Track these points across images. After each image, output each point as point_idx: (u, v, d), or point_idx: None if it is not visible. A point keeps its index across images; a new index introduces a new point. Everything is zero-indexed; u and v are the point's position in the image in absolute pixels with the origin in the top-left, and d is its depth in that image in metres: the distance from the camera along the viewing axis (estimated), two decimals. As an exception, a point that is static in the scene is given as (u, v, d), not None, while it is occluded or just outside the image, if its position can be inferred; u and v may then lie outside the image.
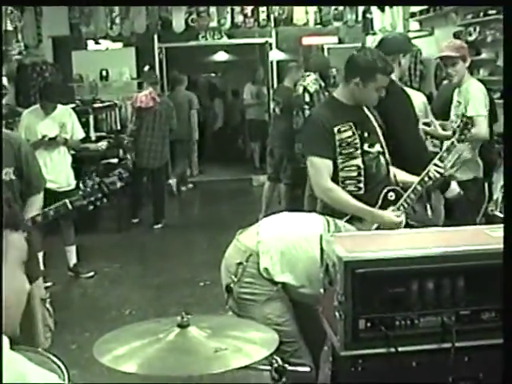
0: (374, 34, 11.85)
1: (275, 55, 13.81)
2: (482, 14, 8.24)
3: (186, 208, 12.08)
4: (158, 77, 11.47)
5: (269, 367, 2.79)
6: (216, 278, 3.91)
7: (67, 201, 3.81)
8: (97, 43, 13.14)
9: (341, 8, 12.27)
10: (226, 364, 2.48)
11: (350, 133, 4.03)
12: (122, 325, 2.97)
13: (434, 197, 6.52)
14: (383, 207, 4.06)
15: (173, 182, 12.21)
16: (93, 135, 10.78)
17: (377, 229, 3.95)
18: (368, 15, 12.12)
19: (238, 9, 12.32)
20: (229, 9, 12.28)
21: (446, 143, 4.61)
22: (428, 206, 6.12)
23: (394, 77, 4.75)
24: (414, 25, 11.15)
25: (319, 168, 4.01)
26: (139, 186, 9.98)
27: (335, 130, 4.01)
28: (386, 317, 2.74)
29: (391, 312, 2.74)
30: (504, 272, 2.35)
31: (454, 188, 5.16)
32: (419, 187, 4.16)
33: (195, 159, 13.92)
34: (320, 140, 4.03)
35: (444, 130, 5.76)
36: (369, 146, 4.09)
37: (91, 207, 3.85)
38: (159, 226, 9.79)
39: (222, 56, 17.91)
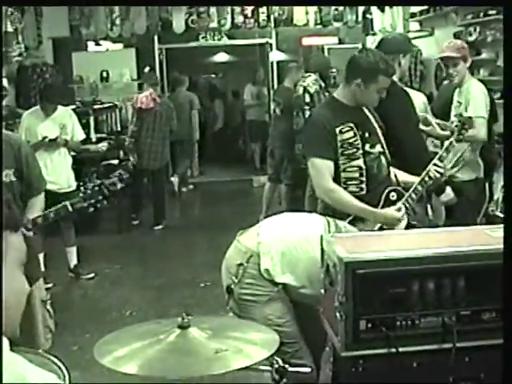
0: (374, 34, 11.85)
1: (275, 56, 13.81)
2: (482, 14, 8.24)
3: (186, 209, 12.09)
4: (158, 78, 11.49)
5: (269, 368, 2.79)
6: (216, 279, 3.90)
7: (68, 203, 3.81)
8: (97, 44, 13.14)
9: (341, 8, 12.28)
10: (226, 365, 2.48)
11: (351, 133, 4.03)
12: (123, 326, 2.97)
13: (434, 197, 6.51)
14: (385, 207, 4.06)
15: (175, 180, 12.26)
16: (93, 136, 10.78)
17: (379, 229, 3.95)
18: (368, 16, 12.13)
19: (238, 9, 12.33)
20: (229, 9, 12.29)
21: (446, 143, 4.62)
22: (429, 207, 6.12)
23: (394, 77, 4.75)
24: (414, 25, 11.15)
25: (321, 169, 4.01)
26: (140, 187, 9.98)
27: (337, 130, 4.00)
28: (387, 317, 2.74)
29: (392, 312, 2.74)
30: (504, 272, 2.35)
31: (449, 193, 5.20)
32: (420, 187, 4.17)
33: (196, 160, 13.93)
34: (321, 141, 4.03)
35: (443, 129, 5.76)
36: (370, 147, 4.09)
37: (91, 209, 3.85)
38: (160, 227, 9.79)
39: (222, 57, 17.91)
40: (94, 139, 10.65)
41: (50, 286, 6.32)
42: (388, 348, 2.74)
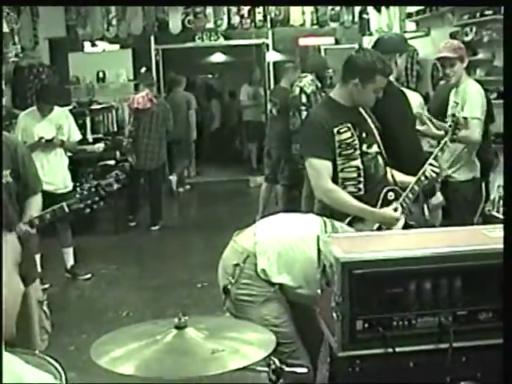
0: (371, 34, 11.86)
1: (272, 56, 13.82)
2: (478, 14, 8.23)
3: (183, 209, 12.09)
4: (154, 78, 11.50)
5: (266, 368, 2.79)
6: (213, 280, 3.90)
7: (64, 204, 3.81)
8: (93, 45, 13.13)
9: (337, 9, 12.30)
10: (223, 365, 2.47)
11: (349, 134, 4.03)
12: (120, 326, 2.97)
13: (442, 197, 6.51)
14: (383, 207, 4.06)
15: (173, 178, 12.31)
16: (90, 137, 10.78)
17: (378, 229, 3.95)
18: (364, 16, 12.14)
19: (234, 10, 12.34)
20: (225, 10, 12.30)
21: (441, 143, 4.63)
22: (425, 207, 6.12)
23: (391, 77, 4.75)
24: (410, 25, 11.15)
25: (319, 169, 4.00)
26: (136, 187, 9.98)
27: (335, 130, 4.00)
28: (384, 317, 2.74)
29: (389, 312, 2.74)
30: (504, 272, 2.35)
31: (438, 196, 5.22)
32: (416, 187, 4.18)
33: (193, 160, 13.94)
34: (319, 141, 4.03)
35: (438, 129, 5.76)
36: (367, 147, 4.09)
37: (88, 210, 3.85)
38: (156, 227, 9.79)
39: (218, 57, 17.91)
40: (90, 140, 10.65)
41: (46, 286, 6.32)
42: (385, 348, 2.74)
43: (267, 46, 13.72)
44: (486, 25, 8.10)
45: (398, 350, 2.73)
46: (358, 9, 12.24)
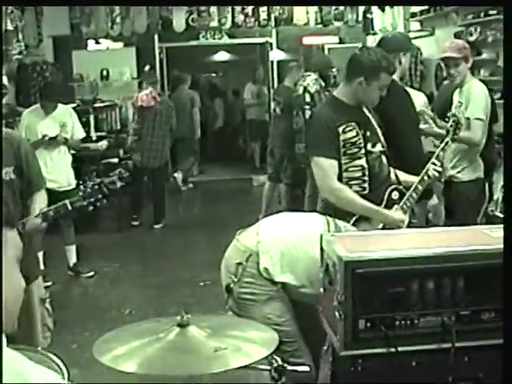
0: (375, 33, 11.85)
1: (276, 55, 13.82)
2: (482, 14, 8.24)
3: (186, 208, 12.09)
4: (157, 76, 11.51)
5: (268, 367, 2.79)
6: (216, 278, 3.90)
7: (67, 201, 3.81)
8: (97, 43, 13.14)
9: (341, 8, 12.29)
10: (225, 363, 2.48)
11: (354, 133, 4.02)
12: (122, 324, 2.97)
13: (437, 199, 6.52)
14: (388, 206, 4.07)
15: (178, 176, 12.37)
16: (93, 135, 10.79)
17: (382, 228, 3.95)
18: (368, 15, 12.13)
19: (238, 8, 12.34)
20: (229, 8, 12.29)
21: (442, 142, 4.65)
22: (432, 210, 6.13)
23: (395, 76, 4.75)
24: (414, 25, 11.15)
25: (325, 169, 3.99)
26: (139, 185, 9.98)
27: (340, 130, 3.99)
28: (386, 317, 2.74)
29: (391, 312, 2.74)
30: (504, 272, 2.35)
31: (434, 198, 5.24)
32: (420, 186, 4.19)
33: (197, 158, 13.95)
34: (325, 140, 4.01)
35: (440, 128, 5.76)
36: (372, 146, 4.09)
37: (91, 208, 3.84)
38: (159, 225, 9.79)
39: (222, 56, 17.91)
40: (93, 137, 10.66)
41: (49, 284, 6.33)
42: (387, 347, 2.74)
43: (271, 44, 13.71)
44: (490, 25, 8.10)
45: (400, 349, 2.73)
46: (362, 8, 12.23)
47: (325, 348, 3.41)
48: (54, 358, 2.62)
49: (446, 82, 7.53)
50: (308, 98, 7.95)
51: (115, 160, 10.25)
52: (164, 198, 10.11)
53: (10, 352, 1.37)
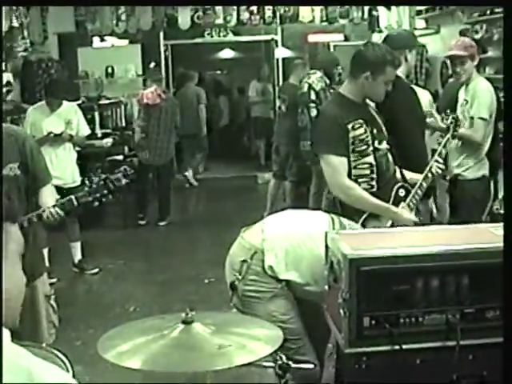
0: (380, 31, 11.83)
1: (281, 52, 13.81)
2: (488, 12, 8.22)
3: (190, 205, 12.10)
4: (162, 74, 11.52)
5: (273, 364, 2.79)
6: (220, 276, 3.90)
7: (73, 197, 3.80)
8: (102, 40, 13.13)
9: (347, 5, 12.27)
10: (230, 361, 2.48)
11: (362, 130, 4.01)
12: (126, 321, 2.98)
13: (439, 195, 6.52)
14: (395, 204, 4.06)
15: (189, 174, 12.43)
16: (98, 132, 10.80)
17: (391, 226, 3.95)
18: (374, 13, 12.11)
19: (243, 6, 12.32)
20: (235, 6, 12.28)
21: (443, 140, 4.70)
22: (433, 205, 6.13)
23: (400, 74, 4.75)
24: (420, 23, 11.11)
25: (335, 166, 3.97)
26: (145, 183, 9.98)
27: (349, 127, 3.98)
28: (391, 314, 2.74)
29: (396, 309, 2.74)
30: (504, 270, 2.35)
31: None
32: (424, 183, 4.19)
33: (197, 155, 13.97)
34: (334, 137, 3.99)
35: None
36: (379, 143, 4.08)
37: (96, 203, 3.84)
38: (164, 222, 9.79)
39: (227, 53, 17.90)
40: (99, 135, 10.67)
41: (54, 280, 6.34)
42: (391, 345, 2.74)
43: (276, 42, 13.71)
44: (495, 22, 8.09)
45: (404, 347, 2.73)
46: (367, 6, 12.21)
47: (329, 345, 3.42)
48: (59, 355, 2.62)
49: (451, 80, 7.51)
50: (313, 96, 7.94)
51: (120, 157, 10.26)
52: (169, 195, 10.11)
53: (15, 347, 1.37)
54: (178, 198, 11.30)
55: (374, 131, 4.07)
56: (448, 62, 6.38)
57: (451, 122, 4.78)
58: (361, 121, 4.02)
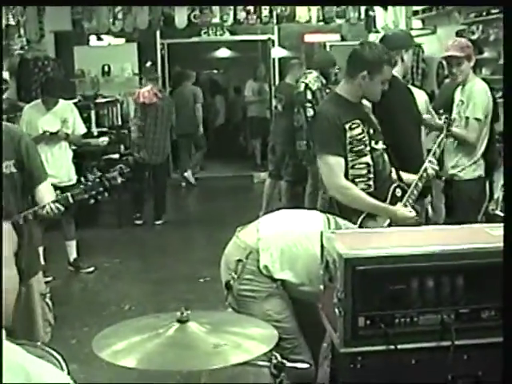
0: (377, 31, 11.84)
1: (277, 52, 13.81)
2: (484, 13, 8.23)
3: (186, 204, 12.10)
4: (157, 73, 11.52)
5: (268, 363, 2.79)
6: (216, 275, 3.90)
7: (68, 194, 3.80)
8: (99, 39, 13.13)
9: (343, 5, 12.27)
10: (225, 360, 2.48)
11: (359, 130, 4.01)
12: (122, 320, 2.97)
13: (435, 196, 6.53)
14: (392, 203, 4.07)
15: (188, 174, 12.48)
16: (94, 130, 10.77)
17: (389, 226, 3.95)
18: (371, 13, 12.12)
19: (240, 5, 12.33)
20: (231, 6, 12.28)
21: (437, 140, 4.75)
22: (429, 205, 6.14)
23: (397, 74, 4.76)
24: (416, 23, 11.13)
25: (332, 166, 3.97)
26: (140, 182, 9.97)
27: (346, 127, 3.97)
28: (386, 314, 2.74)
29: (391, 309, 2.74)
30: (504, 270, 2.35)
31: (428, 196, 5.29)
32: (420, 183, 4.20)
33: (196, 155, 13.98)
34: (332, 137, 3.99)
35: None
36: (375, 143, 4.09)
37: (92, 201, 3.84)
38: (160, 221, 9.79)
39: (224, 52, 17.89)
40: (95, 133, 10.64)
41: (49, 279, 6.33)
42: (387, 345, 2.74)
43: (273, 41, 13.70)
44: (492, 23, 8.10)
45: (399, 347, 2.73)
46: (364, 6, 12.21)
47: (324, 345, 3.42)
48: (54, 353, 2.62)
49: (447, 81, 7.52)
50: (309, 96, 7.94)
51: (116, 156, 10.25)
52: (165, 193, 10.12)
53: (10, 345, 1.38)
54: (173, 197, 11.31)
55: (371, 131, 4.07)
56: (444, 62, 6.39)
57: (445, 122, 4.82)
58: (358, 121, 4.02)
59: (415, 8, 10.84)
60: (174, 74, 13.48)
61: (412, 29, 10.75)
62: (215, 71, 19.28)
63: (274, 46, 13.73)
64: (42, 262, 5.55)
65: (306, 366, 3.15)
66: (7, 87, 9.70)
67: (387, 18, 11.70)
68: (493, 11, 8.01)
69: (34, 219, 3.75)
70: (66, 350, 2.74)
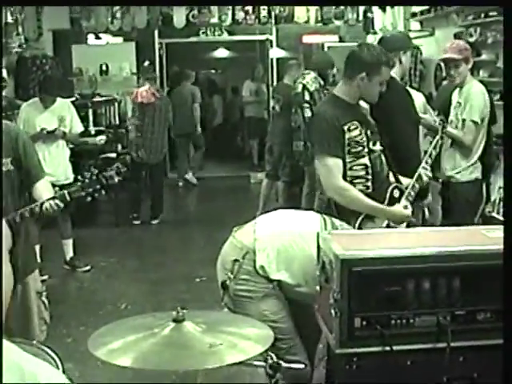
0: (375, 33, 11.84)
1: (275, 53, 13.81)
2: (482, 15, 8.23)
3: (183, 204, 12.10)
4: (155, 72, 11.54)
5: (263, 363, 2.79)
6: (212, 275, 3.90)
7: (65, 191, 3.80)
8: (97, 37, 13.13)
9: (342, 7, 12.28)
10: (220, 359, 2.48)
11: (358, 131, 4.01)
12: (118, 319, 2.97)
13: (431, 198, 6.52)
14: (390, 205, 4.07)
15: (189, 175, 12.55)
16: (92, 129, 10.77)
17: (387, 227, 3.96)
18: (369, 14, 12.12)
19: (238, 5, 12.34)
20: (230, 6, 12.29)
21: (433, 141, 4.78)
22: (426, 207, 6.14)
23: (395, 75, 4.76)
24: (414, 25, 11.13)
25: (331, 167, 3.96)
26: (138, 181, 9.97)
27: (345, 128, 3.97)
28: (382, 315, 2.74)
29: (387, 310, 2.74)
30: (504, 273, 2.35)
31: (429, 197, 5.29)
32: (417, 184, 4.21)
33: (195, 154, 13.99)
34: (330, 139, 3.99)
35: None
36: (373, 144, 4.09)
37: (89, 198, 3.83)
38: (157, 221, 9.79)
39: (222, 52, 17.89)
40: (92, 132, 10.64)
41: (45, 278, 6.31)
42: (382, 346, 2.74)
43: (271, 42, 13.70)
44: (490, 26, 8.10)
45: (395, 348, 2.73)
46: (362, 7, 12.22)
47: (320, 346, 3.42)
48: (49, 352, 2.62)
49: (445, 83, 7.53)
50: (307, 96, 7.94)
51: (113, 155, 10.23)
52: (162, 193, 10.13)
53: (5, 343, 1.37)
54: (170, 197, 11.31)
55: (369, 133, 4.08)
56: (442, 64, 6.40)
57: (439, 124, 4.84)
58: (356, 122, 4.02)
59: (413, 10, 10.85)
60: (172, 73, 13.48)
61: (410, 30, 10.74)
62: (213, 71, 19.29)
63: (272, 46, 13.73)
64: (38, 261, 5.55)
65: (301, 366, 3.16)
66: (5, 85, 9.69)
67: (385, 20, 11.70)
68: (491, 13, 8.01)
69: (30, 217, 3.75)
70: (61, 349, 2.74)
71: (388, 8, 11.62)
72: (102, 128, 11.26)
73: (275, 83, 12.60)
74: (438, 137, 4.75)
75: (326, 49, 13.05)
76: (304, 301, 3.52)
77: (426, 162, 4.41)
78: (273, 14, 12.36)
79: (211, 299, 5.67)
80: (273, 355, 2.78)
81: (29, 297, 3.89)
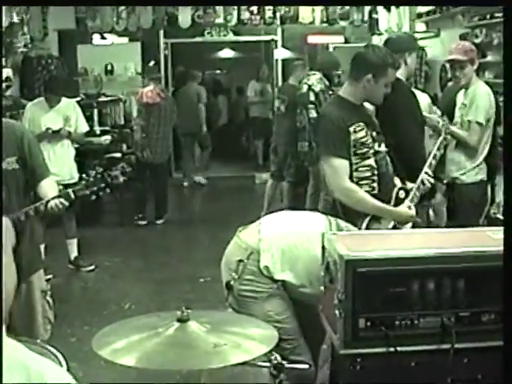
0: (380, 34, 11.83)
1: (280, 53, 13.81)
2: (488, 16, 8.22)
3: (188, 204, 12.10)
4: (160, 72, 11.55)
5: (268, 364, 2.79)
6: (217, 275, 3.90)
7: (70, 190, 3.80)
8: (102, 37, 13.14)
9: (347, 7, 12.26)
10: (225, 359, 2.48)
11: (363, 132, 4.01)
12: (122, 319, 2.97)
13: (437, 199, 6.51)
14: (396, 205, 4.07)
15: (199, 178, 12.76)
16: (97, 129, 10.78)
17: (393, 228, 3.96)
18: (374, 15, 12.10)
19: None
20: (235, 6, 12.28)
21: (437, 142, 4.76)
22: (430, 208, 6.13)
23: (401, 76, 4.76)
24: (420, 26, 11.13)
25: (338, 168, 3.96)
26: (142, 181, 9.98)
27: (351, 129, 3.97)
28: (386, 316, 2.74)
29: (391, 311, 2.74)
30: (504, 274, 2.35)
31: (437, 197, 5.28)
32: (422, 185, 4.21)
33: (202, 154, 14.01)
34: (336, 140, 3.99)
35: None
36: (378, 146, 4.09)
37: (94, 197, 3.84)
38: (161, 221, 9.79)
39: (227, 53, 17.89)
40: (97, 132, 10.64)
41: (49, 277, 6.30)
42: (387, 347, 2.74)
43: (276, 42, 13.71)
44: (495, 27, 8.09)
45: (399, 349, 2.73)
46: (367, 8, 12.19)
47: (324, 347, 3.42)
48: (54, 351, 2.62)
49: (450, 84, 7.52)
50: (312, 97, 7.93)
51: (118, 155, 10.25)
52: (167, 193, 10.12)
53: (11, 342, 1.37)
54: (175, 197, 11.31)
55: (374, 134, 4.08)
56: (447, 65, 6.39)
57: (442, 125, 4.84)
58: (361, 124, 4.02)
59: (419, 11, 10.84)
60: (178, 73, 13.49)
61: (416, 31, 10.75)
62: (218, 71, 19.29)
63: (277, 46, 13.73)
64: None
65: (305, 366, 3.16)
66: (10, 84, 9.71)
67: (391, 21, 11.70)
68: (496, 15, 8.00)
69: (35, 215, 3.75)
70: (65, 348, 2.74)
71: (393, 9, 11.62)
72: (107, 128, 11.27)
73: (280, 84, 12.61)
74: (441, 138, 4.74)
75: (331, 49, 13.04)
76: (308, 301, 3.52)
77: (430, 165, 4.40)
78: (278, 14, 12.35)
79: (215, 299, 5.67)
80: (277, 355, 2.78)
81: (33, 296, 3.89)
